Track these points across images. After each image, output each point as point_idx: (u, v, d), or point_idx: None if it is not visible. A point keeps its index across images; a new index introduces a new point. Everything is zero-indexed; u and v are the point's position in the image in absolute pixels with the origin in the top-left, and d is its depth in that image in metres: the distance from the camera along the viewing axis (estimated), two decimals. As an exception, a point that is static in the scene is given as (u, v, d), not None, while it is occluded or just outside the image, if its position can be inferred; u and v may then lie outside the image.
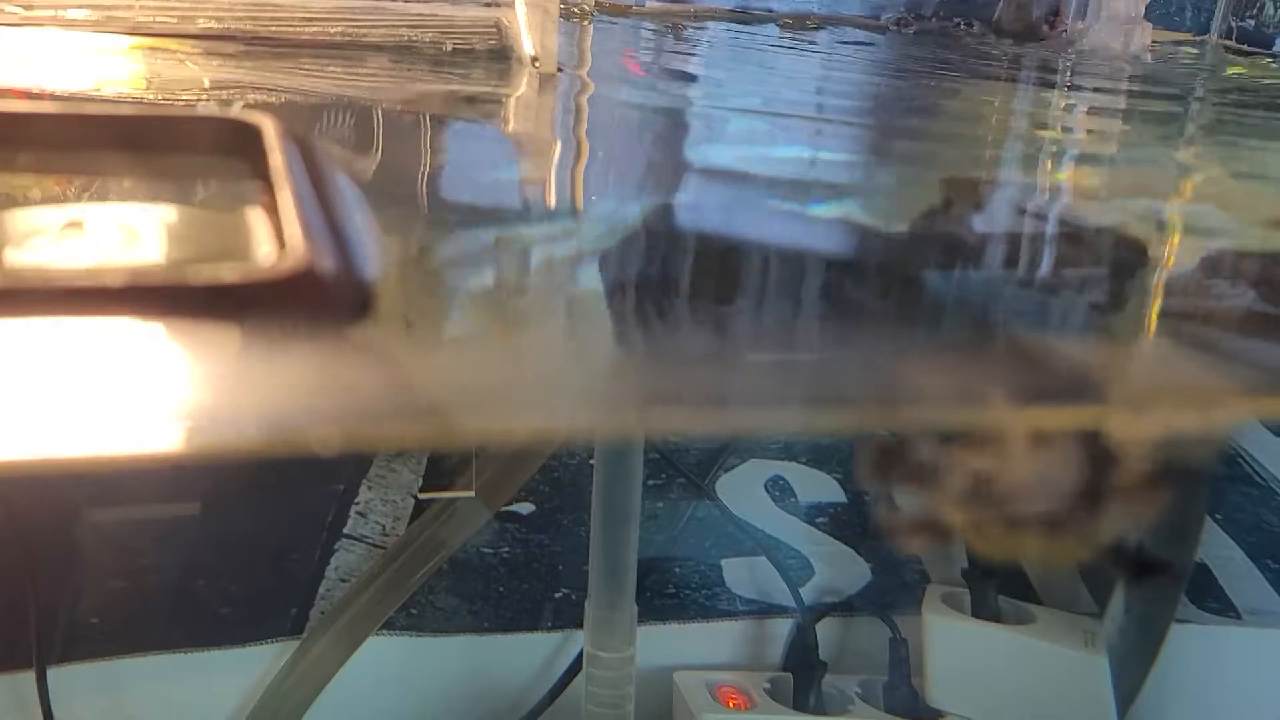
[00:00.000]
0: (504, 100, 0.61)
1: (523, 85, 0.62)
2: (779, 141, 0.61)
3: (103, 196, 0.33)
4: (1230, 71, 1.10)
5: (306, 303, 0.24)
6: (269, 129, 0.31)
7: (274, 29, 0.64)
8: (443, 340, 0.28)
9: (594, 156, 0.52)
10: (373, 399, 0.25)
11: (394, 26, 0.66)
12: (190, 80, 0.59)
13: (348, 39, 0.66)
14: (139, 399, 0.24)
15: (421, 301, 0.28)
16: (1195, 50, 1.18)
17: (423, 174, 0.44)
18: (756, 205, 0.48)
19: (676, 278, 0.38)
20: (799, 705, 0.95)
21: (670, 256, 0.40)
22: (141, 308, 0.24)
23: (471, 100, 0.59)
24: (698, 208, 0.47)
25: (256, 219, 0.28)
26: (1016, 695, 0.93)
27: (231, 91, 0.57)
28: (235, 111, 0.35)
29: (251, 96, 0.55)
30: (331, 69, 0.61)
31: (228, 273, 0.24)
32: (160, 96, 0.53)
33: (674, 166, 0.52)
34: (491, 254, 0.35)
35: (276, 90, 0.56)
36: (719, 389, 0.31)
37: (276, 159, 0.30)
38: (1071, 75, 1.02)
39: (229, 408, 0.24)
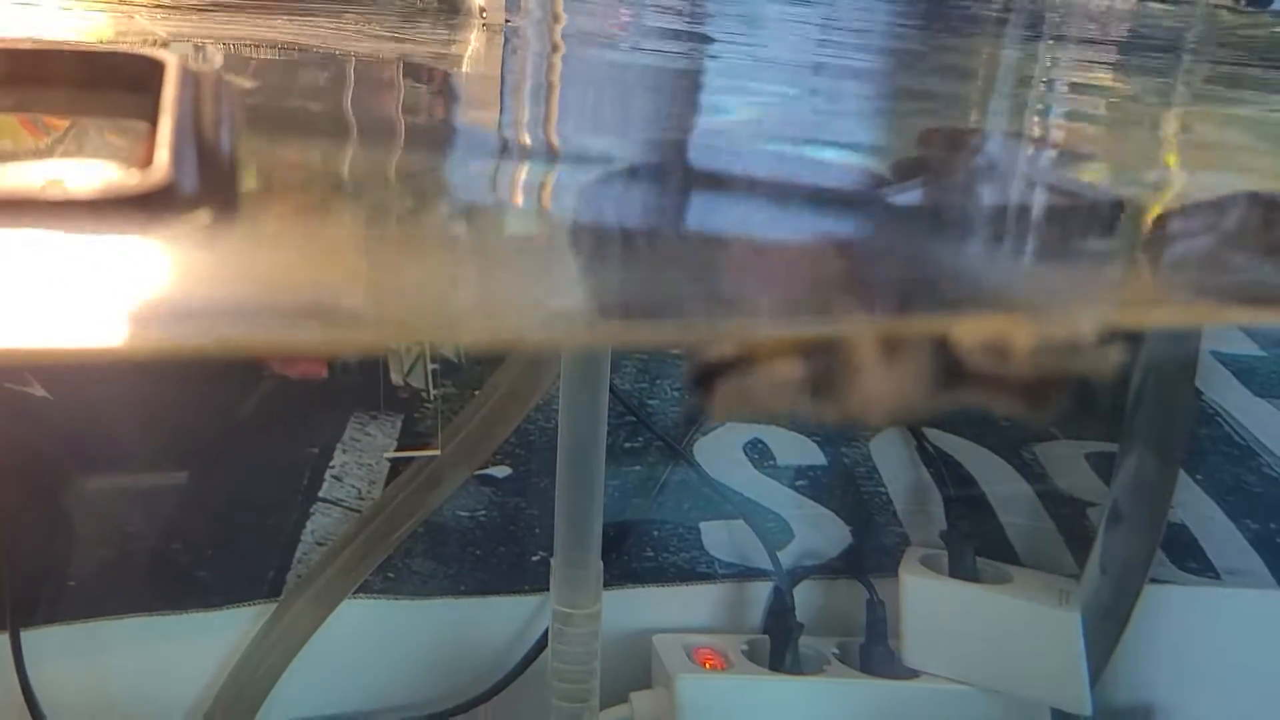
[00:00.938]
0: (441, 48, 0.61)
1: (465, 36, 0.62)
2: (741, 91, 0.61)
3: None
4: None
5: (166, 215, 0.26)
6: (170, 65, 0.33)
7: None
8: (313, 246, 0.29)
9: (507, 94, 0.53)
10: (244, 301, 0.25)
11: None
12: (142, 32, 0.60)
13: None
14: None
15: (289, 214, 0.29)
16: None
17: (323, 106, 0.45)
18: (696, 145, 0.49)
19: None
20: (776, 666, 0.96)
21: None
22: (10, 218, 0.26)
23: (403, 47, 0.59)
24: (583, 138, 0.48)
25: (140, 142, 0.30)
26: (991, 653, 0.93)
27: (180, 42, 0.57)
28: (140, 48, 0.36)
29: (197, 44, 0.55)
30: (278, 23, 0.61)
31: (87, 187, 0.26)
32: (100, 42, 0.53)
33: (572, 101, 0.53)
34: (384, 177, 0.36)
35: (220, 39, 0.57)
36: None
37: (169, 91, 0.31)
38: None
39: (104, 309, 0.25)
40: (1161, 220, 0.48)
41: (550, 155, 0.45)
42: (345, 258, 0.28)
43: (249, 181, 0.30)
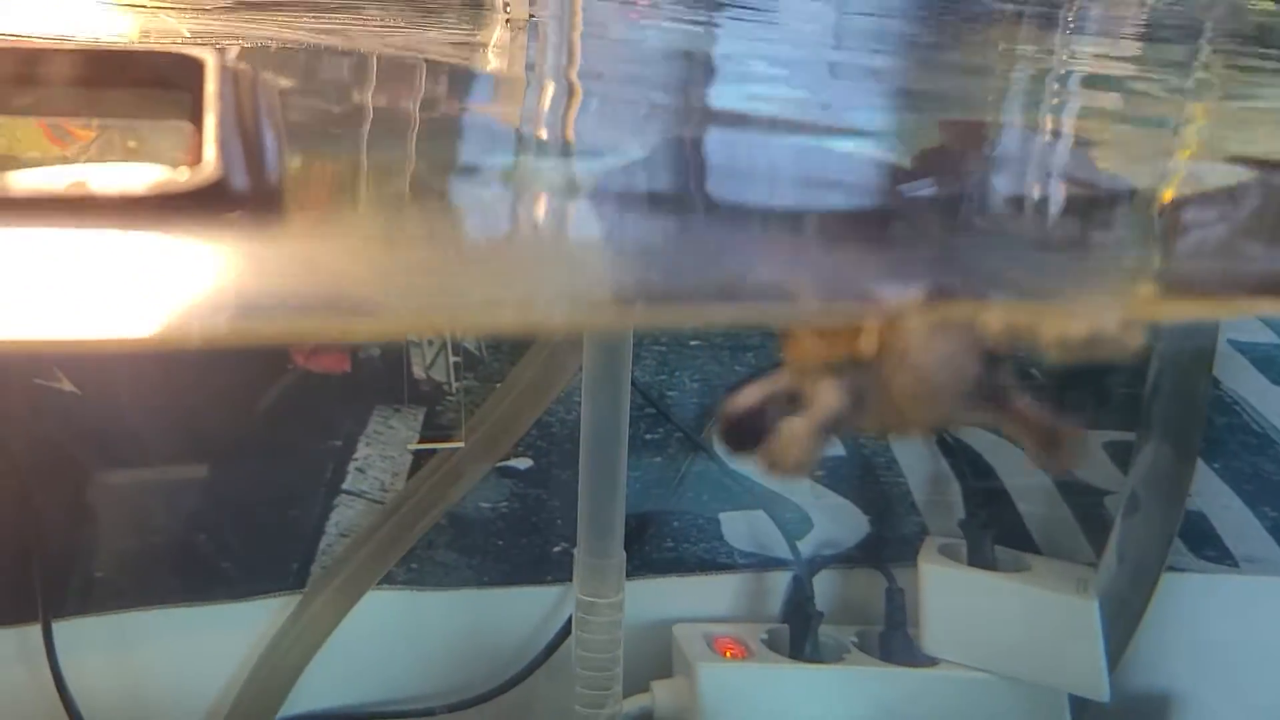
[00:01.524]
0: (468, 45, 0.62)
1: (489, 32, 0.63)
2: (750, 80, 0.61)
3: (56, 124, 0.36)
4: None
5: (217, 209, 0.27)
6: (209, 63, 0.34)
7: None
8: (357, 239, 0.29)
9: (532, 90, 0.54)
10: (292, 295, 0.26)
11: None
12: (169, 31, 0.60)
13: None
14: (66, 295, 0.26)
15: (331, 207, 0.30)
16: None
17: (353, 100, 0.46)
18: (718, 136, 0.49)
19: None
20: (796, 655, 0.96)
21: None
22: (67, 216, 0.27)
23: (428, 43, 0.60)
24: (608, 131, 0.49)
25: (188, 140, 0.30)
26: (1009, 641, 0.94)
27: (209, 40, 0.58)
28: (179, 47, 0.37)
29: (225, 43, 0.56)
30: (303, 21, 0.62)
31: (140, 184, 0.27)
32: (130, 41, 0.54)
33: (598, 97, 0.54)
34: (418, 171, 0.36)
35: (247, 38, 0.57)
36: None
37: (210, 88, 0.32)
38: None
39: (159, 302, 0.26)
40: (1177, 207, 0.49)
41: (581, 149, 0.46)
42: (390, 250, 0.29)
43: (293, 177, 0.31)
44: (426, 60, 0.56)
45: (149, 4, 0.66)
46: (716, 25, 0.81)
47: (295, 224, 0.28)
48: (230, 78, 0.33)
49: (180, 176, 0.27)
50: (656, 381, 0.99)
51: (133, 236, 0.26)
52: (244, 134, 0.30)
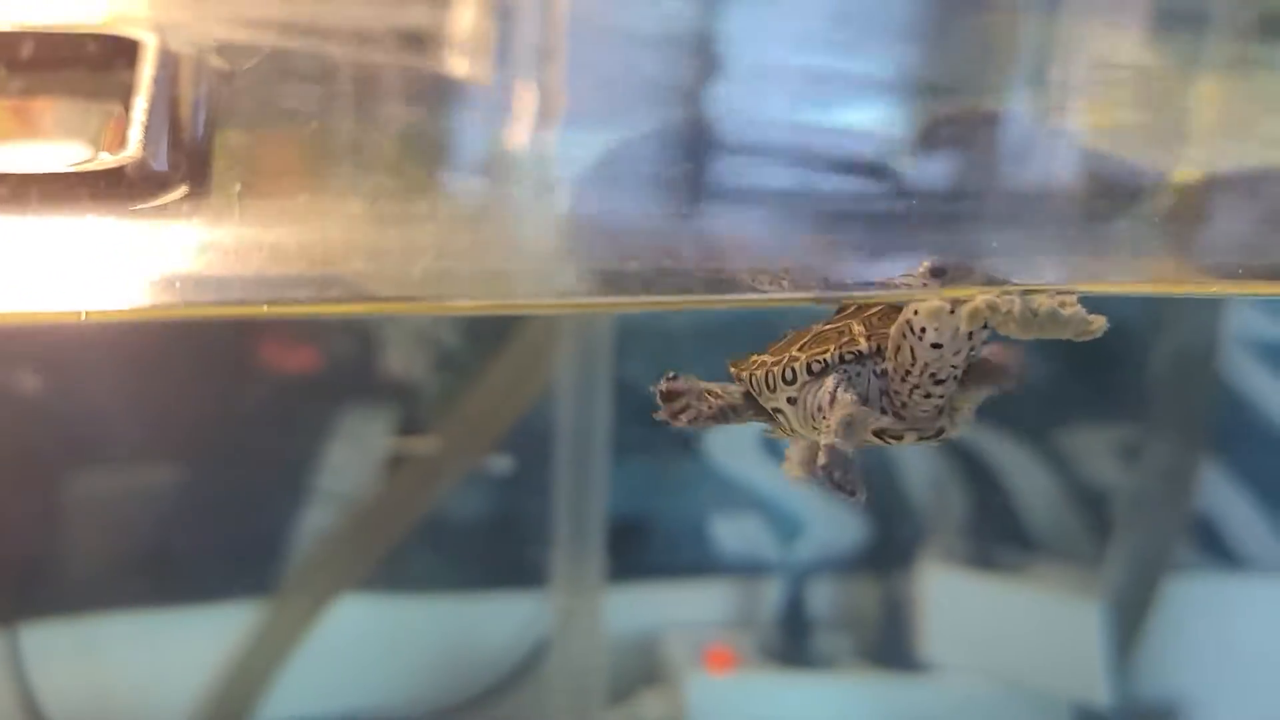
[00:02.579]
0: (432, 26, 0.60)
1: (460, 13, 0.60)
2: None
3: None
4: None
5: (137, 193, 0.27)
6: (148, 45, 0.33)
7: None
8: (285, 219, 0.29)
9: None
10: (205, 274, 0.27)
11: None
12: (132, 12, 0.57)
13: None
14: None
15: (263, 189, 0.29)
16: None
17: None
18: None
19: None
20: (789, 661, 0.94)
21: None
22: None
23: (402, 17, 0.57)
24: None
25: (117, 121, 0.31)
26: (1010, 644, 0.92)
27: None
28: (118, 29, 0.36)
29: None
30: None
31: (61, 165, 0.27)
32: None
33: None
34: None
35: (212, 18, 0.55)
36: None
37: (145, 72, 0.31)
38: None
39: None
40: (1190, 193, 0.48)
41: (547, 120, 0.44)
42: (313, 229, 0.28)
43: (225, 158, 0.30)
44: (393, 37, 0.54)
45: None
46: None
47: (217, 204, 0.27)
48: (167, 60, 0.31)
49: (103, 158, 0.27)
50: (649, 380, 0.97)
51: (52, 217, 0.26)
52: (173, 117, 0.28)
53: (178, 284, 0.25)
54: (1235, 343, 0.96)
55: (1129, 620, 0.95)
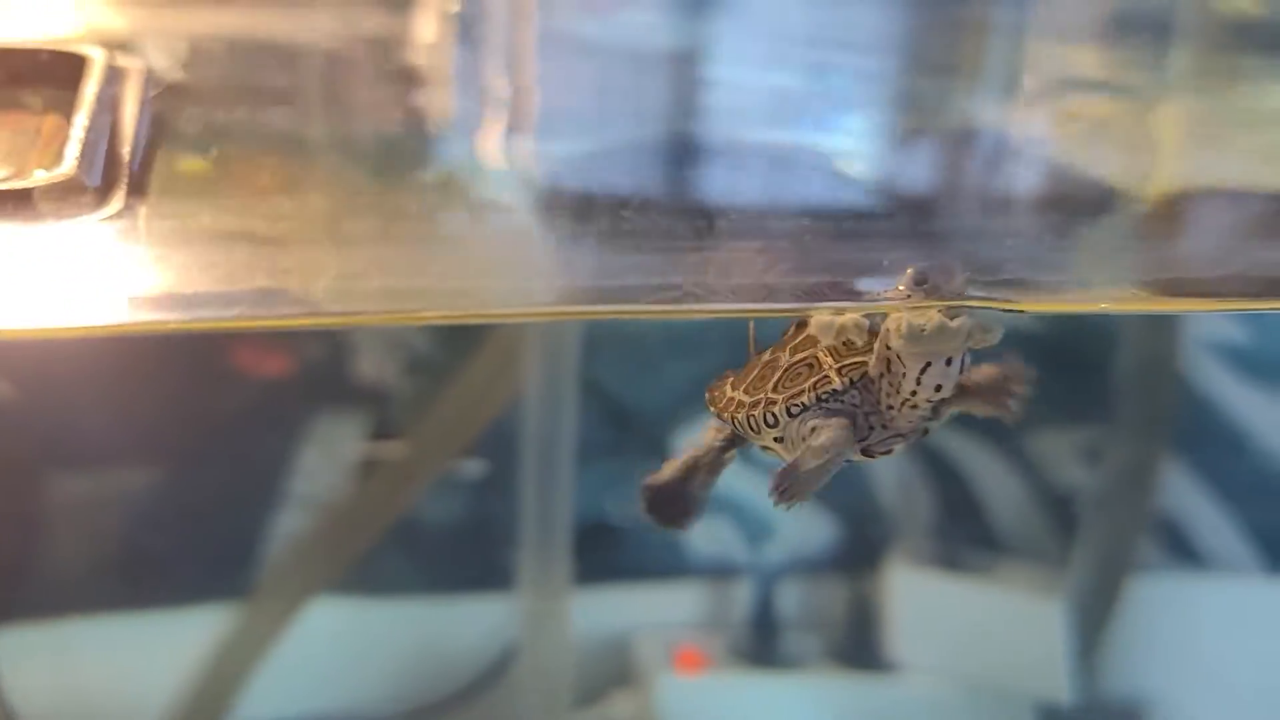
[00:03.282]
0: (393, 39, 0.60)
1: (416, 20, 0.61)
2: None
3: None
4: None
5: (70, 208, 0.28)
6: (94, 62, 0.33)
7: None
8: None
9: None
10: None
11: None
12: (100, 26, 0.58)
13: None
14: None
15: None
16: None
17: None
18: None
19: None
20: (759, 661, 0.95)
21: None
22: None
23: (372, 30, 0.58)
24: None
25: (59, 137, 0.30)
26: (975, 644, 0.93)
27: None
28: (67, 44, 0.37)
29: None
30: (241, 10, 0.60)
31: None
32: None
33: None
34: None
35: (179, 35, 0.55)
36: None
37: (88, 88, 0.32)
38: None
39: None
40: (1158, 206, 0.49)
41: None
42: (252, 247, 0.29)
43: (167, 174, 0.30)
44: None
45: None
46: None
47: (151, 220, 0.28)
48: (113, 77, 0.32)
49: (36, 174, 0.28)
50: (619, 383, 0.98)
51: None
52: (113, 133, 0.29)
53: (106, 298, 0.26)
54: (1197, 346, 0.98)
55: (1093, 620, 0.96)
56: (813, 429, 0.40)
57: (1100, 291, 0.47)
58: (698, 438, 0.45)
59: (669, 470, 0.44)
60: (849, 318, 0.39)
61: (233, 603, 0.91)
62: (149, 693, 0.91)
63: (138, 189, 0.28)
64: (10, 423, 0.85)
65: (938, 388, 0.38)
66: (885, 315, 0.39)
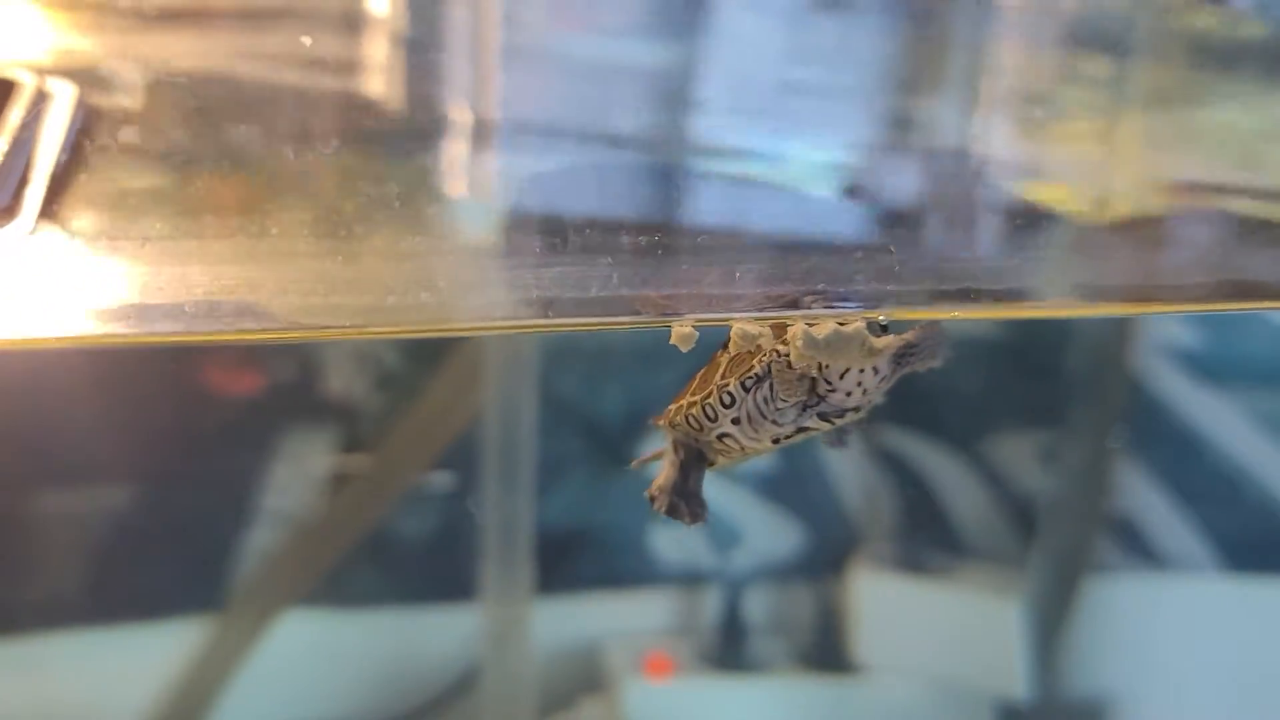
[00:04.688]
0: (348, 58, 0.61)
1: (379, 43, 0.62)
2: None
3: None
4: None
5: None
6: (22, 87, 0.34)
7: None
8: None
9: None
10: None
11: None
12: (59, 50, 0.59)
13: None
14: None
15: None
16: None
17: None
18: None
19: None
20: (727, 666, 0.96)
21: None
22: None
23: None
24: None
25: None
26: (937, 645, 0.94)
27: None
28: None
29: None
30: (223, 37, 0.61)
31: None
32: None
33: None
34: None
35: (143, 60, 0.56)
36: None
37: (14, 112, 0.33)
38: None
39: None
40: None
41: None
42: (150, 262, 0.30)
43: (89, 194, 0.31)
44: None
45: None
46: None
47: (63, 238, 0.29)
48: (40, 101, 0.33)
49: None
50: (581, 395, 0.99)
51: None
52: (31, 155, 0.30)
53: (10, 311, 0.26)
54: (1151, 350, 0.99)
55: (1051, 620, 0.97)
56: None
57: (1051, 300, 0.49)
58: (665, 462, 0.46)
59: (666, 474, 0.45)
60: (764, 329, 0.41)
61: (205, 616, 0.92)
62: (123, 705, 0.92)
63: (50, 208, 0.29)
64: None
65: (860, 387, 0.40)
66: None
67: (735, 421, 0.42)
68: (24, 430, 0.86)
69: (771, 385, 0.41)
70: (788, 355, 0.40)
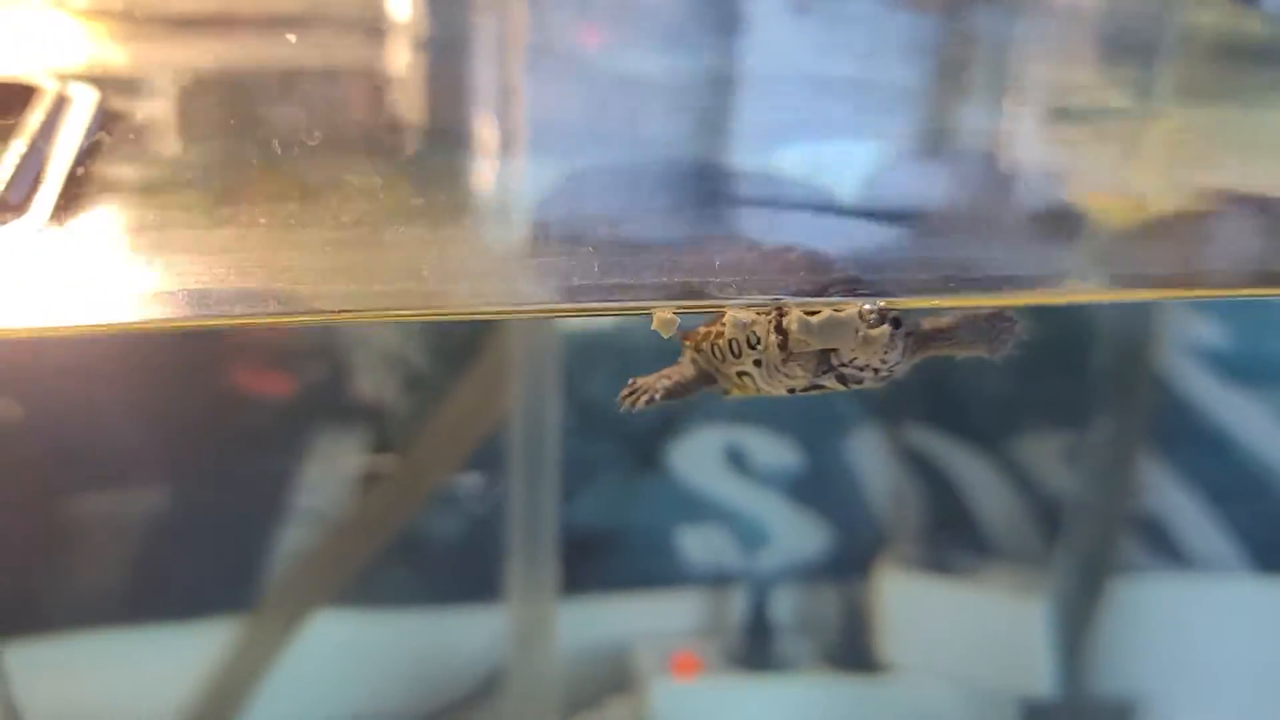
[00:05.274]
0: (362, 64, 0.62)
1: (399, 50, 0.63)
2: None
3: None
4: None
5: None
6: (44, 92, 0.35)
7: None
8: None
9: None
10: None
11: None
12: (94, 57, 0.60)
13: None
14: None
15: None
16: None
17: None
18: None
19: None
20: (754, 665, 0.96)
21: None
22: None
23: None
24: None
25: None
26: (964, 645, 0.94)
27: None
28: (18, 75, 0.39)
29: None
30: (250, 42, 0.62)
31: None
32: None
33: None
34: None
35: (171, 67, 0.57)
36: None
37: (35, 116, 0.34)
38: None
39: None
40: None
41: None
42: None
43: (101, 194, 0.32)
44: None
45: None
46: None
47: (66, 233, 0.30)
48: (59, 105, 0.34)
49: None
50: (612, 395, 0.99)
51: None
52: (49, 156, 0.31)
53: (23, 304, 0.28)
54: (1177, 348, 0.99)
55: (1078, 620, 0.97)
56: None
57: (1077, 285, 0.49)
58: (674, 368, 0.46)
59: (669, 377, 0.46)
60: (757, 316, 0.41)
61: (237, 616, 0.93)
62: (156, 706, 0.93)
63: (64, 207, 0.30)
64: (16, 440, 0.87)
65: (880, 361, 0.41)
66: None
67: (757, 364, 0.43)
68: (56, 433, 0.88)
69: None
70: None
